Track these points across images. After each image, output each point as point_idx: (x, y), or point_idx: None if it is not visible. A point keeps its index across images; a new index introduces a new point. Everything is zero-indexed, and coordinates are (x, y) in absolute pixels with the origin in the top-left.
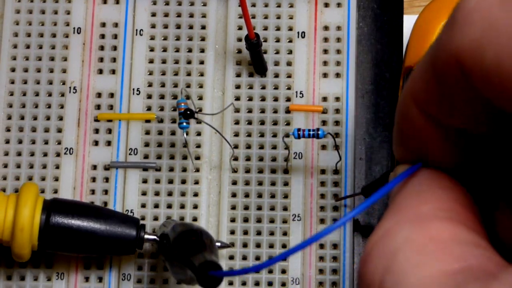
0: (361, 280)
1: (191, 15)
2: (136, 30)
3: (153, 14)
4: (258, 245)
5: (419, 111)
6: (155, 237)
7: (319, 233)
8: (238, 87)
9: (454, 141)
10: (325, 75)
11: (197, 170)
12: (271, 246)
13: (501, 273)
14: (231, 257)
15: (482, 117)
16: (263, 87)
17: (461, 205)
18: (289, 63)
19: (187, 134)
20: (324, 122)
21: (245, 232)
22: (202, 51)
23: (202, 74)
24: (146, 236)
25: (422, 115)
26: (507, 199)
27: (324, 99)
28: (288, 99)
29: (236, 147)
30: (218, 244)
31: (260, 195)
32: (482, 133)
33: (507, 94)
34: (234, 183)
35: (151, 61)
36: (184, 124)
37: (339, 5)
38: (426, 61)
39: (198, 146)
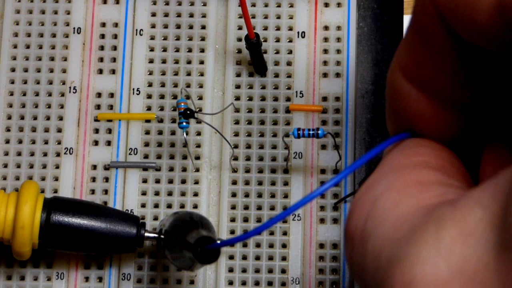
0: (346, 235)
1: (191, 15)
2: (136, 30)
3: (153, 14)
4: (258, 245)
5: (406, 79)
6: (155, 234)
7: (318, 189)
8: (238, 87)
9: (442, 107)
10: (325, 75)
11: (197, 170)
12: (271, 246)
13: (469, 191)
14: (231, 257)
15: (463, 71)
16: (263, 87)
17: (445, 161)
18: (289, 63)
19: (187, 134)
20: (324, 122)
21: (245, 232)
22: (202, 51)
23: (202, 74)
24: (147, 234)
25: (408, 84)
26: (492, 145)
27: (324, 99)
28: (288, 99)
29: (236, 147)
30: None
31: (260, 195)
32: (467, 95)
33: (477, 25)
34: (234, 183)
35: (151, 61)
36: (184, 124)
37: (339, 5)
38: (407, 28)
39: (198, 146)
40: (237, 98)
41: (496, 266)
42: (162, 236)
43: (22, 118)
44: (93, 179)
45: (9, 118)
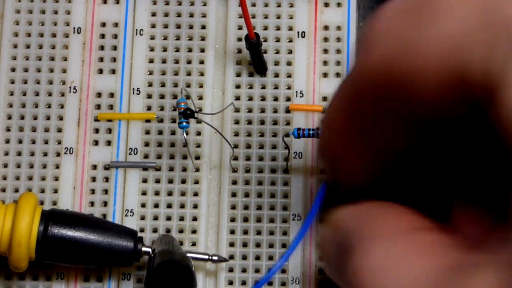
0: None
1: (191, 15)
2: (136, 30)
3: (153, 14)
4: (258, 245)
5: (344, 141)
6: (151, 250)
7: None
8: (238, 86)
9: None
10: (325, 75)
11: (197, 169)
12: (271, 245)
13: (482, 263)
14: (231, 257)
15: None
16: (263, 87)
17: (420, 217)
18: (289, 63)
19: (187, 134)
20: None
21: (245, 232)
22: (202, 51)
23: (202, 74)
24: (144, 249)
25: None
26: (460, 199)
27: (324, 99)
28: (288, 99)
29: (236, 146)
30: (215, 258)
31: (260, 195)
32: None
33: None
34: (234, 182)
35: (151, 61)
36: (184, 123)
37: (339, 5)
38: (339, 96)
39: (198, 145)
40: (237, 98)
41: None
42: (151, 265)
43: (22, 118)
44: (93, 179)
45: (9, 118)
